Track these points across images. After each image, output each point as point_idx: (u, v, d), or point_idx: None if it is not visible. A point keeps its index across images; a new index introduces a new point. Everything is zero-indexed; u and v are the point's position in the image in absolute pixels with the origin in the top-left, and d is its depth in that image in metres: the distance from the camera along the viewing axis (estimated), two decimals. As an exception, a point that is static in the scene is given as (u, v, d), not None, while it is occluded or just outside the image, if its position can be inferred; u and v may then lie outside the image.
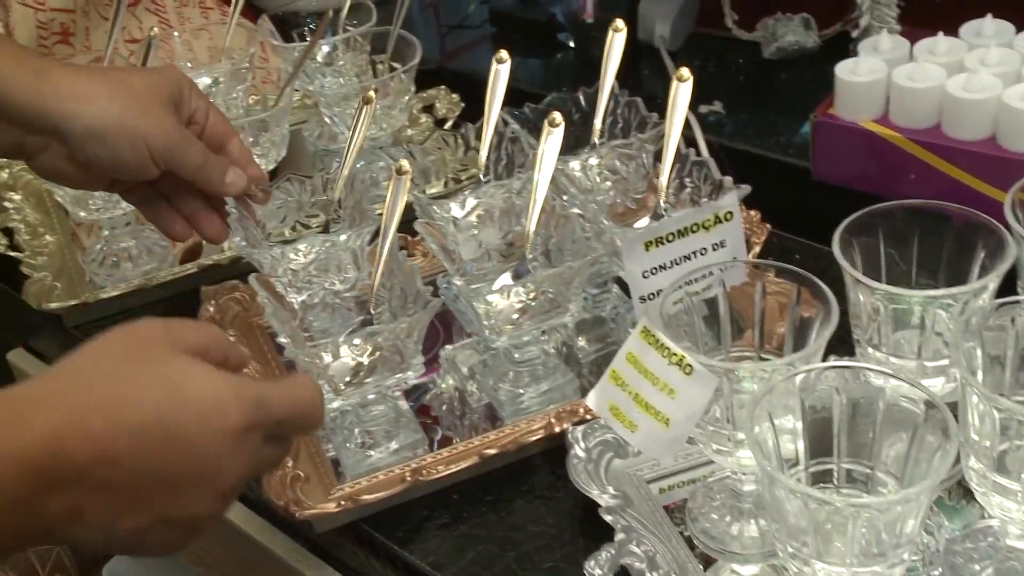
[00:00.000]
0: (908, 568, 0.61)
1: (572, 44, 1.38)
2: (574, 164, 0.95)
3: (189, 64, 1.22)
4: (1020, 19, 1.02)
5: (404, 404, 0.89)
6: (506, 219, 0.92)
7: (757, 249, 0.98)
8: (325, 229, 0.93)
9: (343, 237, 0.87)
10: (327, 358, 0.78)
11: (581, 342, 0.97)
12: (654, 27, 1.29)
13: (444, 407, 0.93)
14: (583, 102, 1.01)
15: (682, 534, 0.77)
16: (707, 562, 0.75)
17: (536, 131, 0.96)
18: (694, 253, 0.84)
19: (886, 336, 0.72)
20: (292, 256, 0.85)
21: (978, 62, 0.97)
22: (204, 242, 1.19)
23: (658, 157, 0.93)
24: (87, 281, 1.09)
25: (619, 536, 0.74)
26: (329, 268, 0.87)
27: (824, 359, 0.68)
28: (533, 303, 0.84)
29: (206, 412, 0.55)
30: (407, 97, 1.12)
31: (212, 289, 1.01)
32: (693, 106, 0.88)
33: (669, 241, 0.83)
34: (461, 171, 1.00)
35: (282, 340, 0.79)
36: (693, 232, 0.84)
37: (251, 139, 1.06)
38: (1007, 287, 0.72)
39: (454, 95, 1.28)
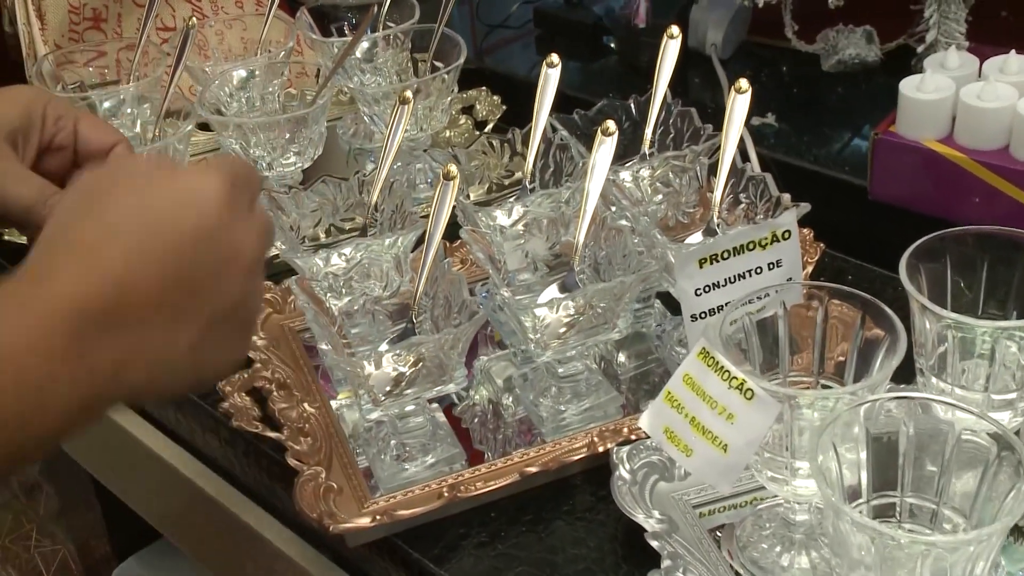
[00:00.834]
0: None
1: (614, 47, 1.39)
2: (624, 174, 0.95)
3: (223, 56, 1.24)
4: (1095, 38, 1.02)
5: (441, 416, 0.89)
6: (553, 229, 0.93)
7: (809, 269, 0.98)
8: (362, 233, 0.94)
9: (386, 241, 0.87)
10: (369, 367, 0.78)
11: (621, 358, 0.97)
12: (706, 34, 1.30)
13: (476, 420, 0.94)
14: (634, 110, 1.02)
15: (730, 564, 0.77)
16: (756, 594, 0.75)
17: (583, 138, 0.97)
18: (749, 272, 0.85)
19: (951, 365, 0.72)
20: (335, 261, 0.86)
21: (1050, 83, 0.97)
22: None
23: (712, 171, 0.93)
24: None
25: (665, 563, 0.75)
26: (371, 273, 0.88)
27: (886, 387, 0.68)
28: (581, 318, 0.84)
29: (191, 196, 0.57)
30: (449, 99, 1.13)
31: (244, 290, 1.01)
32: (745, 118, 0.89)
33: (724, 259, 0.84)
34: (505, 177, 1.01)
35: (322, 347, 0.80)
36: (749, 250, 0.84)
37: (287, 135, 1.07)
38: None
39: (495, 97, 1.29)
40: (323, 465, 0.85)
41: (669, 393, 0.71)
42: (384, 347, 0.83)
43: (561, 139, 0.97)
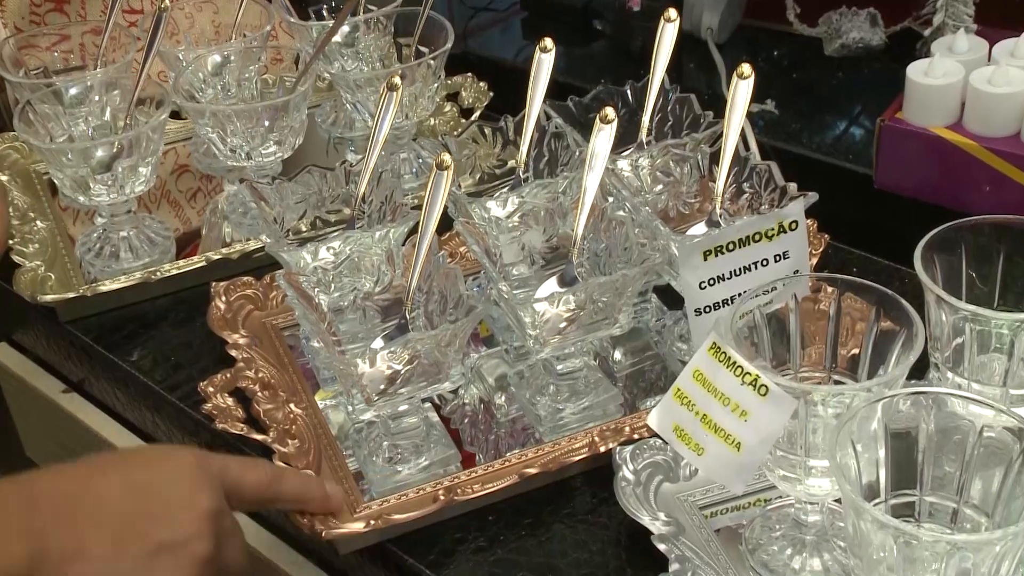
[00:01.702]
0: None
1: (602, 30, 1.39)
2: (623, 163, 0.95)
3: (193, 40, 1.23)
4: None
5: (435, 417, 0.90)
6: (550, 221, 0.93)
7: (814, 261, 0.99)
8: (349, 225, 0.94)
9: (377, 234, 0.87)
10: (363, 366, 0.78)
11: (617, 354, 0.98)
12: (701, 17, 1.30)
13: (467, 420, 0.94)
14: (630, 96, 1.02)
15: (740, 567, 0.77)
16: (766, 597, 0.76)
17: (578, 126, 0.97)
18: (755, 264, 0.86)
19: (968, 359, 0.74)
20: (323, 254, 0.86)
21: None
22: (203, 235, 1.20)
23: (714, 159, 0.94)
24: (82, 273, 1.09)
25: (674, 566, 0.75)
26: (361, 267, 0.88)
27: (901, 382, 0.69)
28: (582, 312, 0.85)
29: (156, 453, 0.72)
30: (435, 85, 1.13)
31: (223, 285, 1.01)
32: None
33: (729, 251, 0.85)
34: (497, 167, 1.01)
35: (313, 345, 0.80)
36: (755, 242, 0.85)
37: (267, 124, 1.07)
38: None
39: (481, 83, 1.29)
40: (312, 468, 0.85)
41: (679, 390, 0.72)
42: (378, 344, 0.83)
43: (556, 127, 0.97)
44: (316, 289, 0.88)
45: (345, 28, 1.18)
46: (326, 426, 0.90)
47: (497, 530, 0.83)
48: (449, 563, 0.81)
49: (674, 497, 0.82)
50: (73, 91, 1.11)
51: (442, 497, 0.82)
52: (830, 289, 0.75)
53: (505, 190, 0.95)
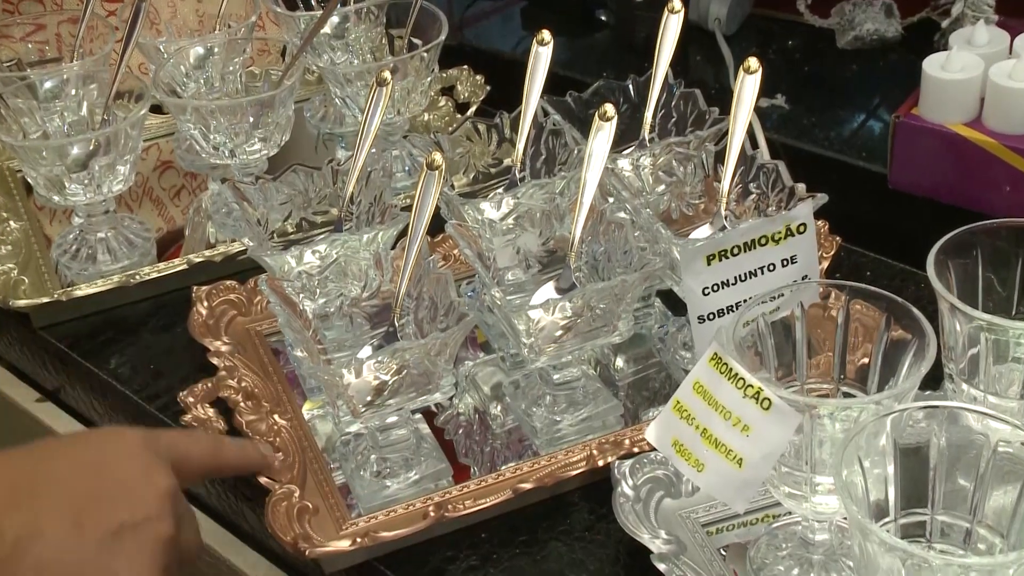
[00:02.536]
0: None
1: (606, 20, 1.39)
2: (624, 163, 0.96)
3: (176, 31, 1.24)
4: None
5: (426, 428, 0.90)
6: (547, 223, 0.93)
7: (825, 265, 0.99)
8: (336, 227, 0.94)
9: (365, 237, 0.88)
10: (348, 376, 0.78)
11: (619, 362, 0.98)
12: (708, 8, 1.30)
13: (461, 431, 0.94)
14: (632, 91, 1.02)
15: (743, 587, 0.78)
16: (772, 620, 0.76)
17: (578, 122, 0.98)
18: (761, 269, 0.86)
19: (984, 371, 0.73)
20: (308, 258, 0.86)
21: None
22: (186, 236, 1.20)
23: (719, 158, 0.94)
24: (58, 276, 1.10)
25: (674, 587, 0.75)
26: (348, 272, 0.88)
27: (913, 395, 0.69)
28: (579, 320, 0.85)
29: (104, 435, 0.73)
30: (429, 79, 1.13)
31: (205, 289, 1.01)
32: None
33: (734, 255, 0.85)
34: (492, 166, 1.01)
35: (296, 354, 0.80)
36: (761, 245, 0.85)
37: (251, 120, 1.07)
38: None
39: (478, 76, 1.29)
40: (296, 483, 0.85)
41: (678, 402, 0.72)
42: (365, 353, 0.83)
43: (554, 124, 0.97)
44: (301, 295, 0.88)
45: (335, 19, 1.18)
46: (312, 438, 0.90)
47: (490, 548, 0.83)
48: (439, 583, 0.81)
49: (676, 514, 0.82)
50: (48, 84, 1.12)
51: (432, 513, 0.82)
52: (839, 296, 0.75)
53: (500, 190, 0.95)
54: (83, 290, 1.06)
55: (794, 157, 1.10)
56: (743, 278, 0.85)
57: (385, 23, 1.19)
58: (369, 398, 0.81)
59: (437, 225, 0.91)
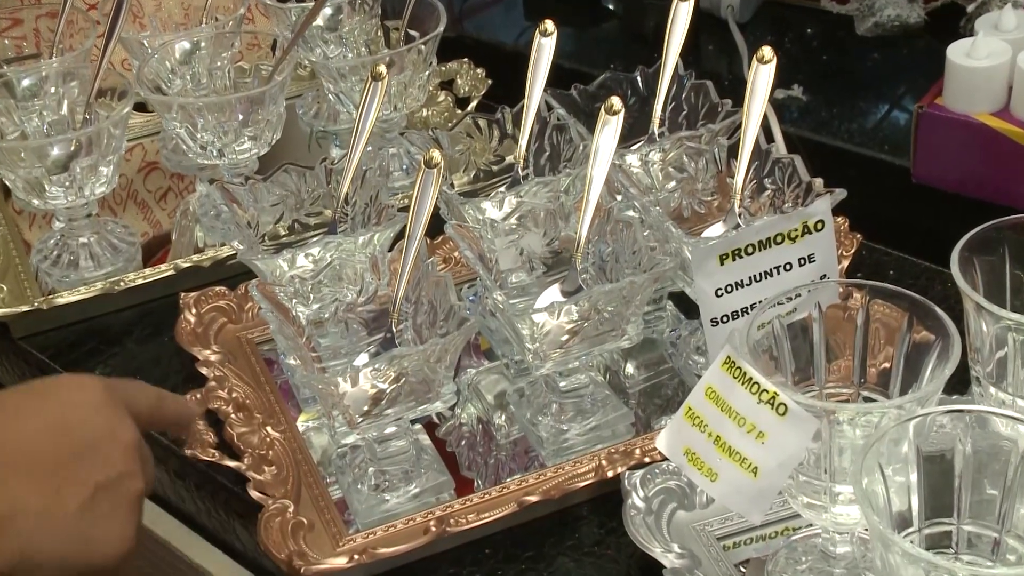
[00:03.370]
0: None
1: (613, 9, 1.40)
2: (632, 158, 0.96)
3: (160, 25, 1.24)
4: None
5: (426, 439, 0.91)
6: (551, 222, 0.94)
7: (845, 264, 1.00)
8: (331, 229, 0.95)
9: (360, 239, 0.88)
10: (344, 385, 0.79)
11: (629, 368, 0.99)
12: (720, -6, 1.31)
13: (463, 443, 0.95)
14: (640, 84, 1.03)
15: (761, 603, 0.78)
16: (791, 638, 0.77)
17: (583, 117, 0.98)
18: (777, 269, 0.86)
19: (1012, 373, 0.74)
20: (301, 262, 0.87)
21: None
22: (173, 240, 1.21)
23: (732, 152, 0.95)
24: (38, 284, 1.11)
25: (688, 604, 0.76)
26: (343, 276, 0.89)
27: (938, 398, 0.69)
28: (586, 324, 0.85)
29: (71, 380, 0.74)
30: (427, 73, 1.14)
31: (193, 296, 1.02)
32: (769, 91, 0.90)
33: (748, 254, 0.85)
34: (493, 163, 1.02)
35: (290, 362, 0.81)
36: (777, 244, 0.86)
37: (241, 118, 1.08)
38: None
39: (479, 70, 1.30)
40: (291, 498, 0.86)
41: (690, 409, 0.72)
42: (361, 361, 0.84)
43: (558, 119, 0.98)
44: (293, 300, 0.89)
45: (327, 10, 1.19)
46: (306, 451, 0.91)
47: (495, 564, 0.84)
48: (442, 601, 0.82)
49: (689, 527, 0.83)
50: (26, 82, 1.13)
51: (434, 528, 0.83)
52: (858, 296, 0.75)
53: (502, 189, 0.96)
54: (65, 298, 1.07)
55: (811, 151, 1.10)
56: (758, 278, 0.86)
57: (380, 14, 1.20)
58: (366, 408, 0.82)
59: (436, 226, 0.91)
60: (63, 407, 0.71)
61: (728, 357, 0.71)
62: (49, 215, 1.17)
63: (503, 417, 0.95)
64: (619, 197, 0.93)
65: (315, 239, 0.92)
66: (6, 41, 1.21)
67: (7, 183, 1.09)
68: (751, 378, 0.69)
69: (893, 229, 1.06)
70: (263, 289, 0.86)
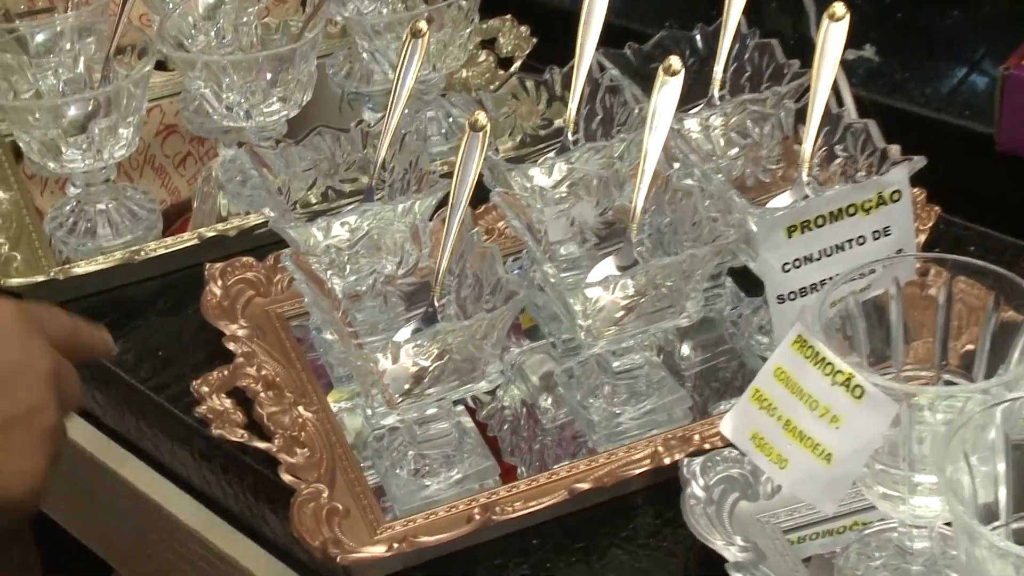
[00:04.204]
0: None
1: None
2: (691, 123, 0.96)
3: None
4: None
5: (469, 422, 0.91)
6: (604, 191, 0.94)
7: (922, 238, 1.00)
8: (367, 196, 0.95)
9: (400, 207, 0.89)
10: (384, 362, 0.79)
11: (684, 349, 0.99)
12: (785, -54, 1.30)
13: (506, 426, 0.95)
14: (699, 43, 1.03)
15: (830, 601, 0.78)
16: (863, 639, 0.77)
17: (638, 78, 0.98)
18: (849, 242, 0.86)
19: (1108, 356, 0.74)
20: (337, 231, 0.87)
21: None
22: (194, 208, 1.22)
23: (800, 117, 0.94)
24: (53, 252, 1.12)
25: (751, 601, 0.76)
26: (381, 246, 0.89)
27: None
28: (642, 300, 0.85)
29: None
30: (468, 30, 1.14)
31: (219, 267, 1.03)
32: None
33: (818, 226, 0.85)
34: (541, 127, 1.02)
35: (325, 337, 0.81)
36: (849, 215, 0.86)
37: (269, 77, 1.08)
38: None
39: (522, 27, 1.30)
40: (324, 482, 0.86)
41: (757, 391, 0.72)
42: (402, 336, 0.84)
43: (611, 80, 0.98)
44: (329, 272, 0.89)
45: (361, -39, 1.19)
46: (341, 433, 0.91)
47: (543, 556, 0.84)
48: (486, 595, 0.82)
49: (753, 518, 0.83)
50: (40, 38, 1.13)
51: (478, 516, 0.83)
52: (940, 272, 0.75)
53: (551, 155, 0.96)
54: (82, 268, 1.08)
55: (886, 116, 1.08)
56: (828, 252, 0.86)
57: (418, -34, 1.20)
58: (407, 387, 0.82)
59: (481, 194, 0.91)
60: None
61: (799, 336, 0.71)
62: (62, 180, 1.18)
63: (549, 400, 0.96)
64: (677, 165, 0.93)
65: (351, 207, 0.92)
66: (17, -7, 1.22)
67: (21, 145, 1.10)
68: (824, 358, 0.69)
69: (974, 201, 1.05)
70: (297, 259, 0.87)
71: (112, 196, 1.13)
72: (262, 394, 0.93)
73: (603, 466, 0.87)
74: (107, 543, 1.15)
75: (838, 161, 0.93)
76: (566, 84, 0.98)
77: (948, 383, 0.76)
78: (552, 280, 0.85)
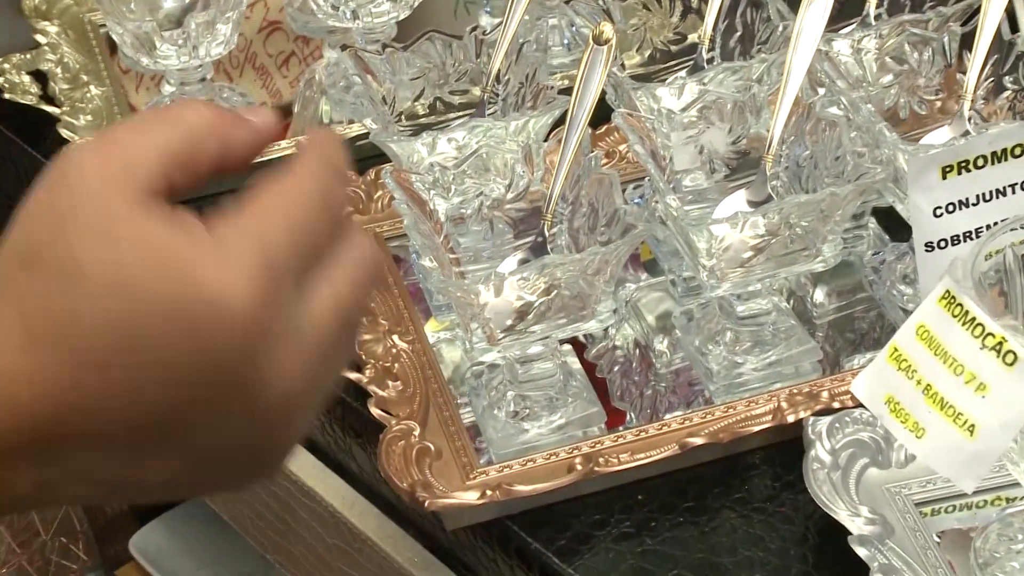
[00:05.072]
0: None
1: None
2: (841, 45, 0.95)
3: None
4: None
5: (576, 363, 0.91)
6: (739, 117, 0.93)
7: (1095, 186, 0.96)
8: (479, 111, 0.94)
9: (512, 125, 0.88)
10: (486, 294, 0.79)
11: (819, 295, 0.98)
12: None
13: (617, 368, 0.95)
14: (855, -46, 1.00)
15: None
16: (998, 628, 0.75)
17: (785, -8, 0.96)
18: (1012, 187, 0.85)
19: None
20: (443, 147, 0.87)
21: None
22: (295, 113, 1.22)
23: (966, 43, 0.93)
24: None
25: (875, 578, 0.75)
26: (490, 167, 0.89)
27: None
28: (774, 240, 0.84)
29: (194, 311, 0.50)
30: (599, -73, 1.12)
31: (317, 180, 1.03)
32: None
33: (978, 167, 0.84)
34: (673, 43, 1.01)
35: (424, 263, 0.81)
36: (1014, 157, 0.84)
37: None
38: None
39: (659, -73, 1.27)
40: (416, 419, 0.87)
41: (896, 350, 0.71)
42: (508, 267, 0.84)
43: (755, -8, 0.96)
44: (432, 192, 0.89)
45: None
46: (437, 367, 0.92)
47: (647, 513, 0.84)
48: (583, 551, 0.82)
49: (882, 488, 0.82)
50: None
51: (579, 467, 0.83)
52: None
53: (682, 74, 0.95)
54: (172, 173, 1.08)
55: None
56: (987, 198, 0.84)
57: None
58: (510, 322, 0.82)
59: (602, 114, 0.90)
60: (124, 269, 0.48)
61: (947, 291, 0.69)
62: (158, 77, 1.18)
63: (665, 342, 0.95)
64: (822, 91, 0.91)
65: (460, 122, 0.92)
66: None
67: (114, 37, 1.10)
68: (974, 318, 0.67)
69: None
70: (398, 176, 0.87)
71: (208, 96, 1.14)
72: (355, 320, 0.93)
73: (719, 420, 0.86)
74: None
75: (1006, 94, 0.92)
76: (704, -5, 0.97)
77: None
78: (675, 213, 0.84)
